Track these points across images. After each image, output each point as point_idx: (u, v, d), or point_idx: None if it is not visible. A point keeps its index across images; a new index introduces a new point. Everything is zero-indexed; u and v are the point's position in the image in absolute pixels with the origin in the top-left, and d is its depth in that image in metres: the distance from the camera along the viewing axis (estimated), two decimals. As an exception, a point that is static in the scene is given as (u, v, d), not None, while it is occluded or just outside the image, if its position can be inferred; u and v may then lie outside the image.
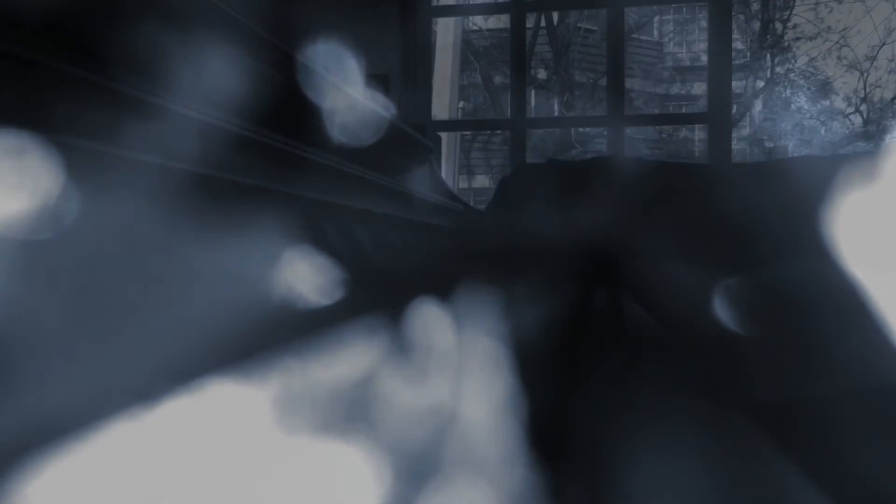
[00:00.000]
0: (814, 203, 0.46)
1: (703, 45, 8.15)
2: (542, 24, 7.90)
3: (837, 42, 7.50)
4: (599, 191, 0.59)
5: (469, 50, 7.94)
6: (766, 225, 0.52)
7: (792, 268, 0.54)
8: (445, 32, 6.80)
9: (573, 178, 0.60)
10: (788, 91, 7.61)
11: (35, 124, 0.17)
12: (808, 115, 7.49)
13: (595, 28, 8.05)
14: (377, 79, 1.06)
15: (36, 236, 0.12)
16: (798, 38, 7.64)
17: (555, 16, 7.89)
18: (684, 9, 8.66)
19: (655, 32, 8.97)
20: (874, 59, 7.33)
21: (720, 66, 1.76)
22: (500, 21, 7.81)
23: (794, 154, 7.30)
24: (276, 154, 0.33)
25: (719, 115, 1.76)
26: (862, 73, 7.36)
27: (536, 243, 0.62)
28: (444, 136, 1.50)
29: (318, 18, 0.63)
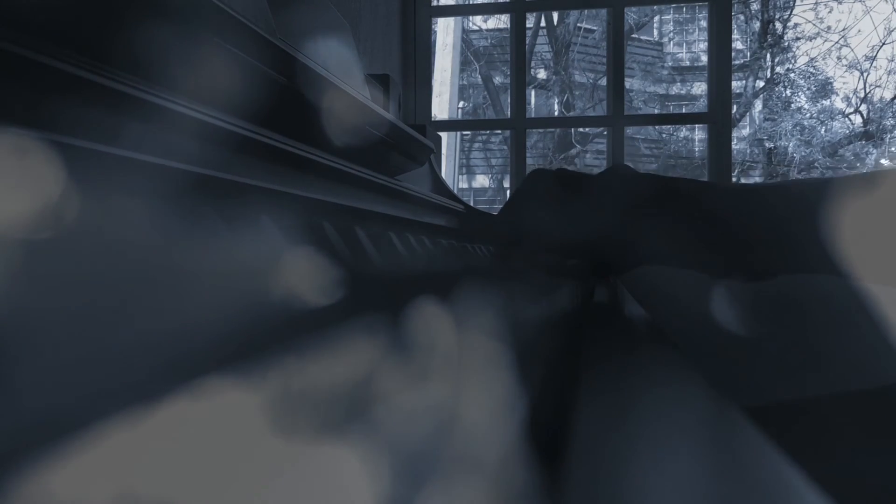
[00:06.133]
0: (820, 226, 0.46)
1: (703, 45, 8.15)
2: (542, 24, 7.90)
3: (837, 42, 7.51)
4: (607, 193, 0.59)
5: (469, 50, 7.95)
6: (772, 241, 0.52)
7: (792, 271, 0.54)
8: (445, 32, 6.81)
9: (583, 183, 0.61)
10: (788, 91, 7.61)
11: (35, 124, 0.17)
12: (808, 115, 7.50)
13: (595, 28, 8.05)
14: (377, 79, 1.06)
15: (36, 236, 0.12)
16: (798, 38, 7.65)
17: (555, 16, 7.90)
18: (684, 9, 8.67)
19: (655, 32, 8.97)
20: (874, 59, 7.33)
21: (720, 66, 1.76)
22: (500, 21, 7.81)
23: (794, 154, 7.30)
24: (276, 154, 0.33)
25: (719, 115, 1.76)
26: (862, 73, 7.36)
27: (538, 242, 0.62)
28: (444, 136, 1.50)
29: (318, 18, 0.63)
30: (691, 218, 0.55)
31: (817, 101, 7.66)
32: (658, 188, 0.57)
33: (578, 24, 8.06)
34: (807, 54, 7.76)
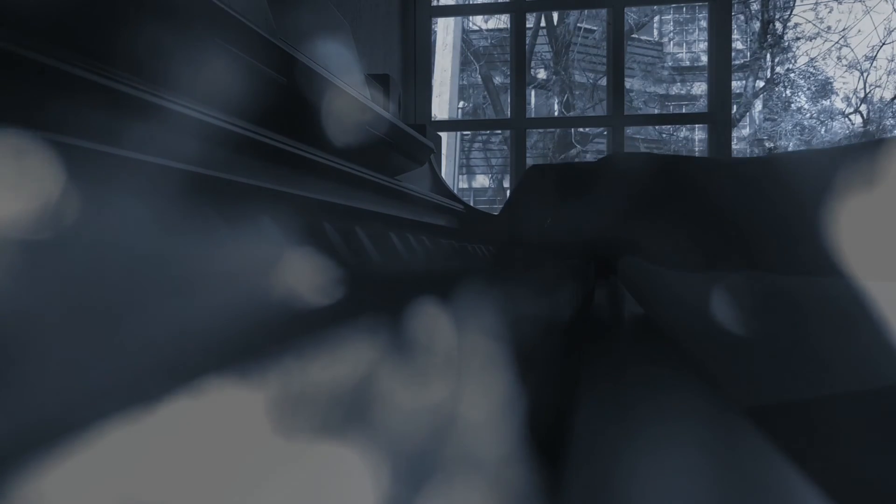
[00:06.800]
0: (815, 205, 0.46)
1: (703, 45, 8.16)
2: (542, 24, 7.90)
3: (837, 42, 7.51)
4: (604, 191, 0.59)
5: (469, 50, 7.95)
6: (768, 226, 0.52)
7: (792, 269, 0.54)
8: (445, 32, 6.81)
9: (580, 178, 0.60)
10: (788, 91, 7.61)
11: (35, 124, 0.17)
12: (808, 115, 7.50)
13: (595, 28, 8.05)
14: (377, 79, 1.06)
15: (36, 236, 0.12)
16: (798, 38, 7.65)
17: (555, 16, 7.90)
18: (684, 9, 8.66)
19: (655, 32, 8.97)
20: (874, 59, 7.33)
21: (720, 66, 1.76)
22: (500, 21, 7.81)
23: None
24: (276, 154, 0.33)
25: (719, 115, 1.76)
26: (862, 73, 7.36)
27: (538, 243, 0.62)
28: (444, 136, 1.50)
29: (318, 18, 0.63)
30: (693, 212, 0.54)
31: (817, 102, 7.66)
32: (658, 181, 0.57)
33: (578, 24, 8.05)
34: (807, 54, 7.77)
